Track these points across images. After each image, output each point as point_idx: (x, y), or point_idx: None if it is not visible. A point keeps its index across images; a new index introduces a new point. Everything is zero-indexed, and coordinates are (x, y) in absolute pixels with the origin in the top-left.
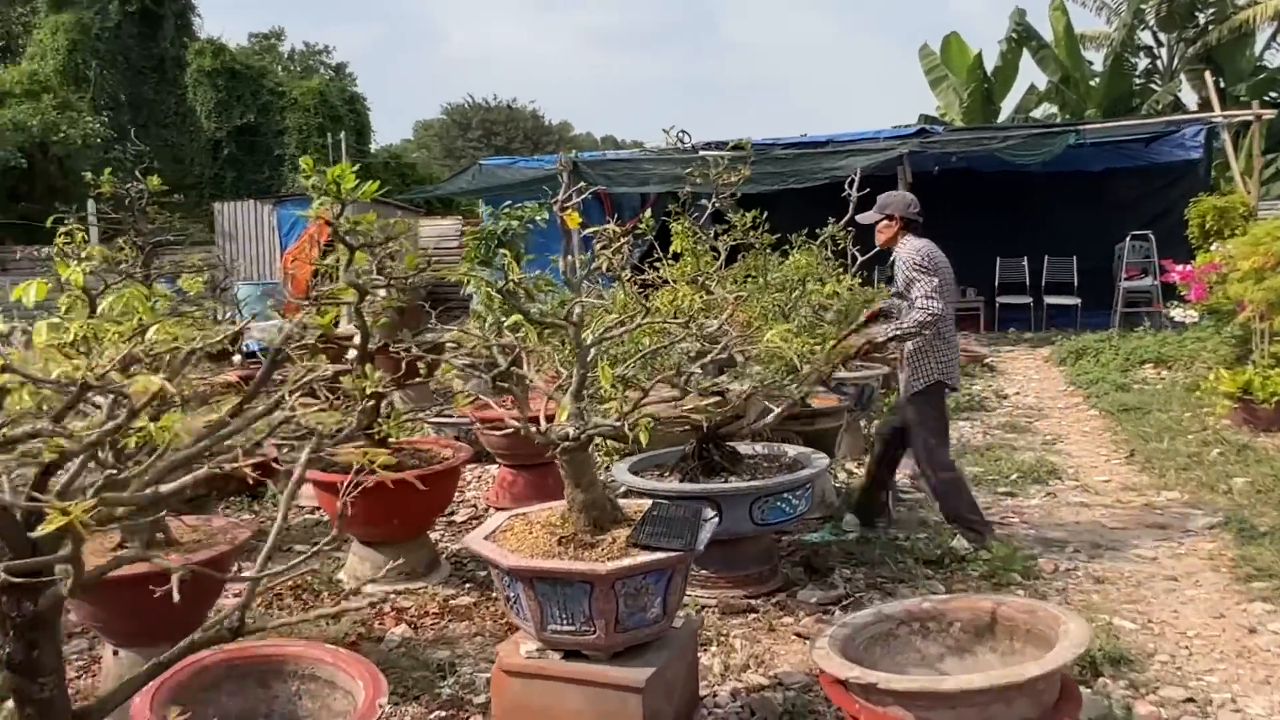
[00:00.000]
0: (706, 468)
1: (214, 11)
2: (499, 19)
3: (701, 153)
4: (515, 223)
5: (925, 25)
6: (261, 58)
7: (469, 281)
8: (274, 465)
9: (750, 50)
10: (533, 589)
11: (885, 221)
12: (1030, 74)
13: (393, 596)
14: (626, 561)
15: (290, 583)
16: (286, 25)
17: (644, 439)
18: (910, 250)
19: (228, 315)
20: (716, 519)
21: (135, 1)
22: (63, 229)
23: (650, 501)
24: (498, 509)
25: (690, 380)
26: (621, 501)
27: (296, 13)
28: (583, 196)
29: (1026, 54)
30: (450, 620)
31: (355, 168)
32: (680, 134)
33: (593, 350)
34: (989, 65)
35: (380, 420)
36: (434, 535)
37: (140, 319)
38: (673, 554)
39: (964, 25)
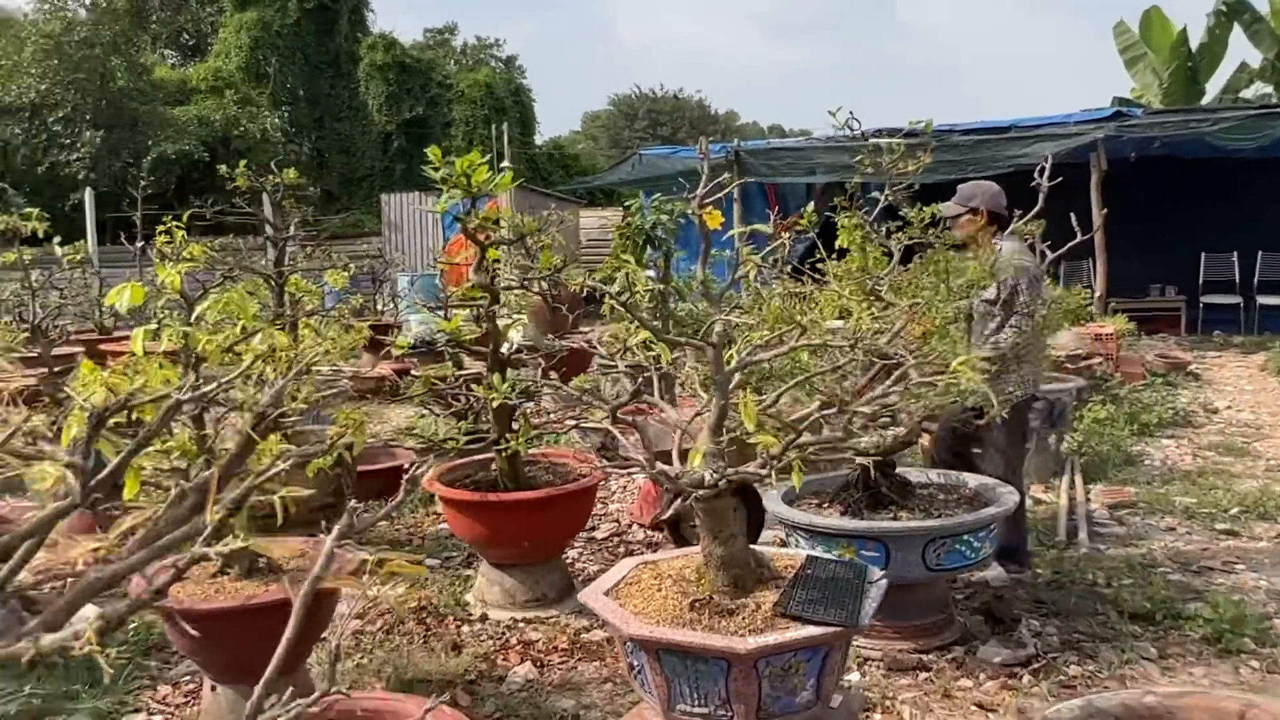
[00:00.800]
0: (873, 499)
1: (390, 10)
2: (667, 8)
3: (872, 139)
4: (665, 218)
5: (1120, 1)
6: (434, 52)
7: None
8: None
9: (927, 33)
10: (659, 662)
11: (969, 215)
12: (1240, 51)
13: (521, 625)
14: (772, 638)
15: (414, 602)
16: (460, 21)
17: (797, 482)
18: (1011, 253)
19: (387, 307)
20: (885, 581)
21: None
22: (161, 228)
23: (804, 554)
24: (640, 525)
25: (852, 420)
26: (770, 551)
27: (471, 8)
28: (723, 191)
29: (1237, 29)
30: (580, 659)
31: (517, 160)
32: (850, 118)
33: (736, 377)
34: (1194, 42)
35: (511, 433)
36: (570, 554)
37: (243, 326)
38: (830, 629)
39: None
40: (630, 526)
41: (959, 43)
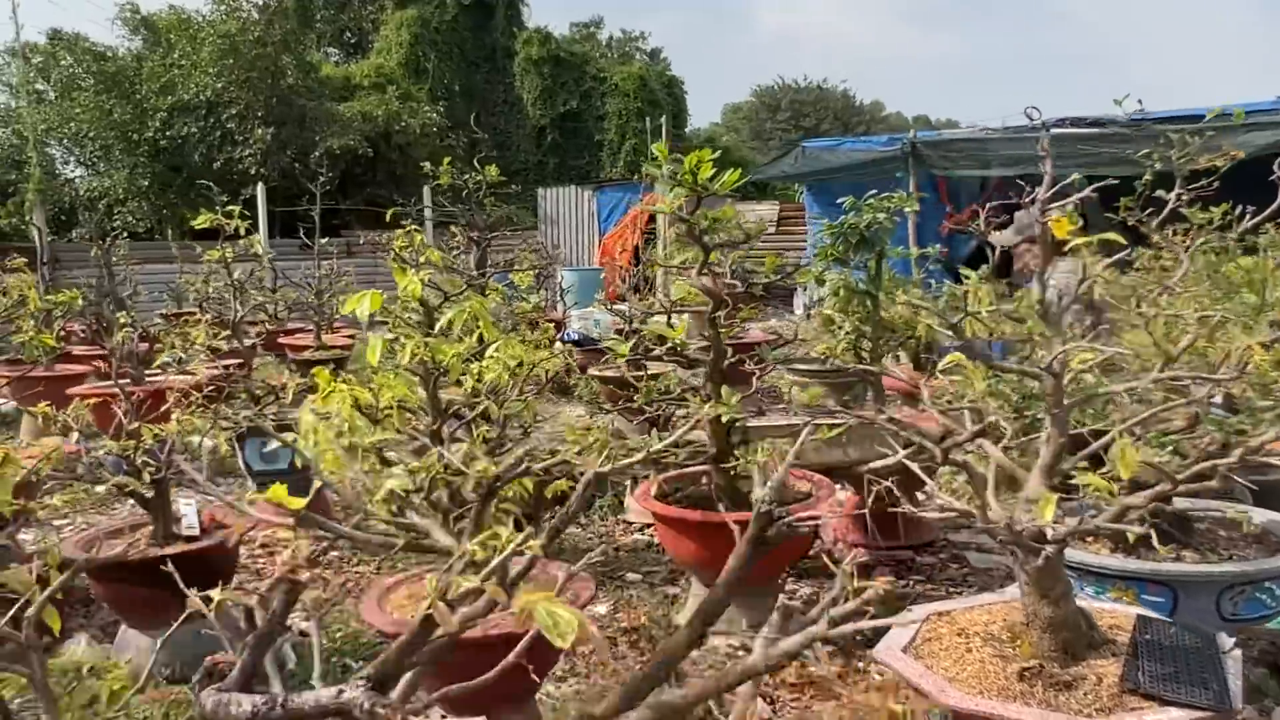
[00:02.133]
0: (1147, 535)
1: (540, 5)
2: None
3: (1054, 131)
4: (882, 215)
5: None
6: (582, 45)
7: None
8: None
9: (1082, 19)
10: None
11: (1026, 245)
12: None
13: (742, 655)
14: None
15: (625, 623)
16: (606, 14)
17: (1048, 514)
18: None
19: (552, 302)
20: (1239, 652)
21: None
22: (400, 233)
23: (1132, 613)
24: (851, 544)
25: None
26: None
27: (616, 2)
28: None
29: None
30: (814, 696)
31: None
32: (1029, 110)
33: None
34: None
35: (731, 446)
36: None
37: (480, 336)
38: (1197, 713)
39: None
40: (836, 544)
41: (1117, 29)
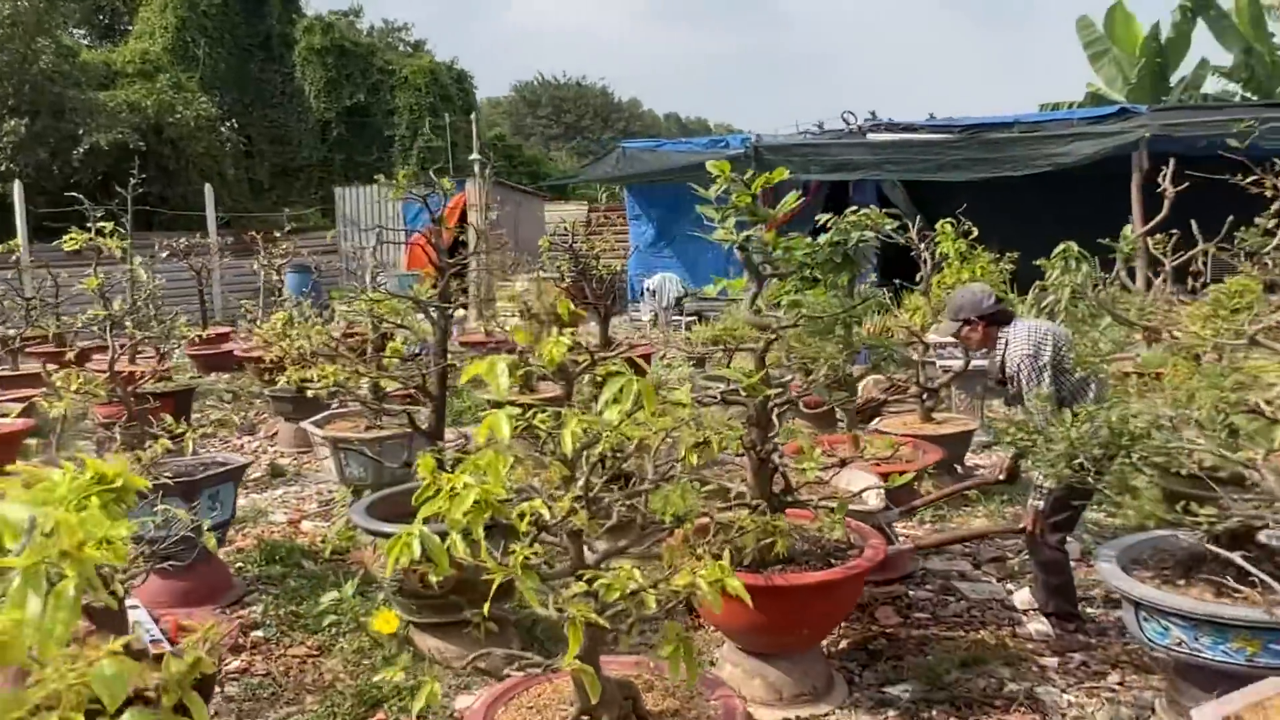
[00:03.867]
0: (1240, 574)
1: None
2: None
3: (870, 136)
4: (869, 234)
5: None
6: (372, 39)
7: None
8: None
9: (809, 22)
10: None
11: (966, 328)
12: (1200, 47)
13: None
14: None
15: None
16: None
17: None
18: (1018, 341)
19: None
20: None
21: None
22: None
23: None
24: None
25: None
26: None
27: None
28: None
29: (1202, 25)
30: None
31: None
32: (845, 114)
33: None
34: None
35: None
36: None
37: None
38: None
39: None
40: None
41: (839, 34)
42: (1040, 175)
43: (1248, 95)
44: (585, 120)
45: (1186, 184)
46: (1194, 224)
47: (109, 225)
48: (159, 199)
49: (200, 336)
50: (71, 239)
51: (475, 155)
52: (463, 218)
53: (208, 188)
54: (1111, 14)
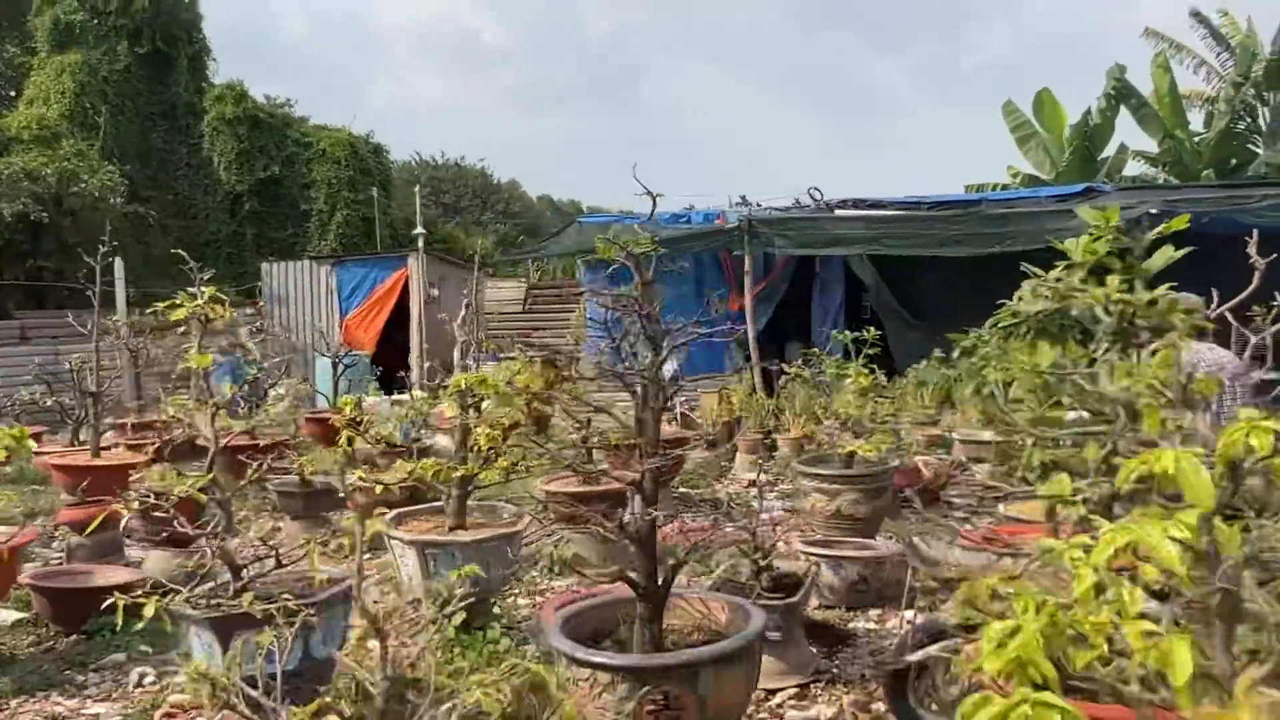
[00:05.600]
0: None
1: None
2: (415, 72)
3: (837, 212)
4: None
5: (841, 92)
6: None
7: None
8: None
9: (668, 110)
10: None
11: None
12: (1123, 133)
13: None
14: None
15: None
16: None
17: None
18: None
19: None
20: None
21: (146, 43)
22: None
23: None
24: None
25: None
26: None
27: (244, 68)
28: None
29: (1125, 112)
30: None
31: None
32: (812, 191)
33: None
34: (1075, 122)
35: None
36: None
37: None
38: None
39: (884, 95)
40: None
41: (696, 120)
42: (1000, 254)
43: (1170, 179)
44: (464, 201)
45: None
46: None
47: None
48: (55, 273)
49: (133, 424)
50: None
51: (420, 229)
52: (403, 297)
53: (118, 262)
54: (1038, 100)
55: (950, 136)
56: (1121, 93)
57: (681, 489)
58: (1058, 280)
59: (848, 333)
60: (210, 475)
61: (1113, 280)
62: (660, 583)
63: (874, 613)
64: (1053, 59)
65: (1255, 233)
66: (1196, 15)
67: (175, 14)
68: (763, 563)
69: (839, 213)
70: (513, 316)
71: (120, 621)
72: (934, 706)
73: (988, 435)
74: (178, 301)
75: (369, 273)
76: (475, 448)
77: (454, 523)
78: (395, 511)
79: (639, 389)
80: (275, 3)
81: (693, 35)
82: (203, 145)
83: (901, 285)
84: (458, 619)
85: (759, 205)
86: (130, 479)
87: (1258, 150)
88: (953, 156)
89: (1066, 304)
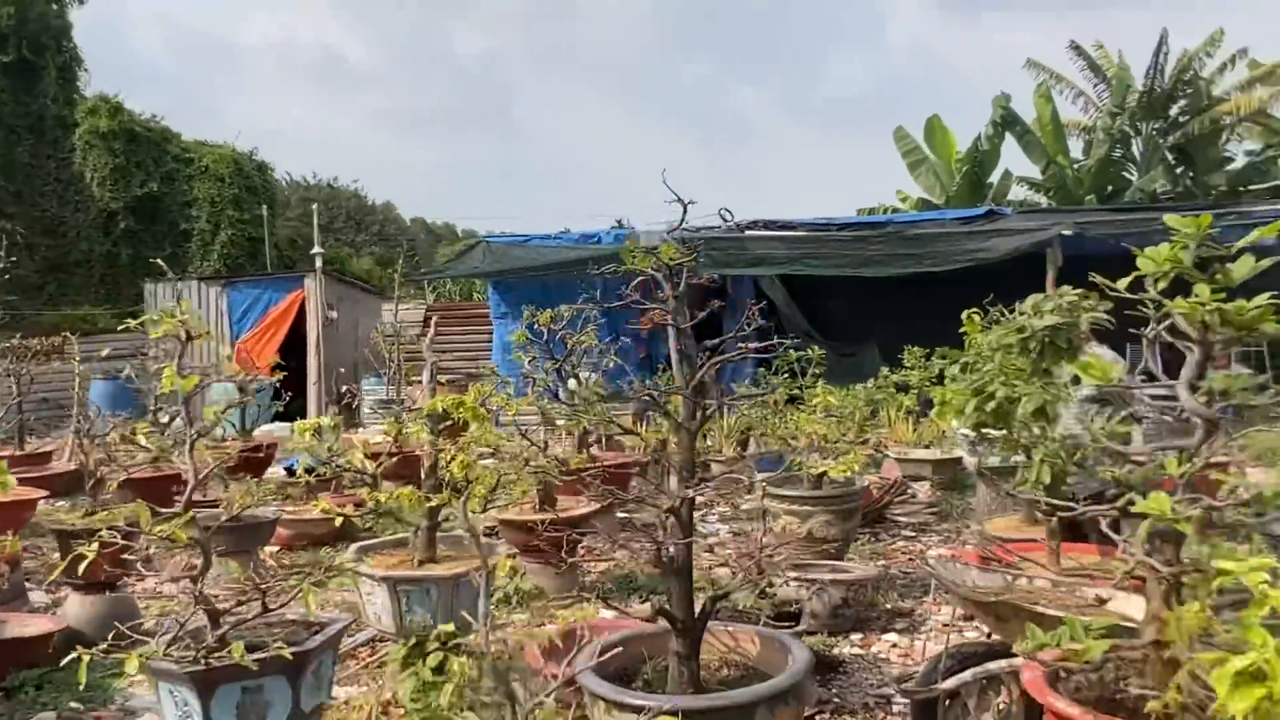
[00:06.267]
0: None
1: None
2: (284, 95)
3: (748, 233)
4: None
5: (710, 117)
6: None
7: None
8: None
9: (542, 132)
10: None
11: None
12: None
13: None
14: None
15: None
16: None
17: None
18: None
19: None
20: None
21: (11, 51)
22: None
23: None
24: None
25: None
26: None
27: (114, 78)
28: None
29: (1010, 139)
30: None
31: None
32: (723, 211)
33: None
34: (964, 148)
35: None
36: None
37: None
38: None
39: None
40: None
41: (570, 142)
42: (914, 274)
43: (1052, 203)
44: (338, 223)
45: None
46: None
47: None
48: None
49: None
50: None
51: (318, 249)
52: (299, 320)
53: None
54: (930, 127)
55: (808, 162)
56: (1007, 120)
57: (619, 514)
58: (1132, 291)
59: (793, 352)
60: (189, 514)
61: (1203, 289)
62: (697, 615)
63: (855, 636)
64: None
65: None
66: (1075, 47)
67: (44, 22)
68: (769, 590)
69: (749, 233)
70: (411, 339)
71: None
72: None
73: (921, 454)
74: (155, 317)
75: (262, 294)
76: (447, 476)
77: (424, 556)
78: (356, 545)
79: (675, 406)
80: (130, 16)
81: (564, 58)
82: (73, 160)
83: (811, 306)
84: (434, 660)
85: (635, 228)
86: (25, 516)
87: (1132, 178)
88: (815, 181)
89: (1075, 318)
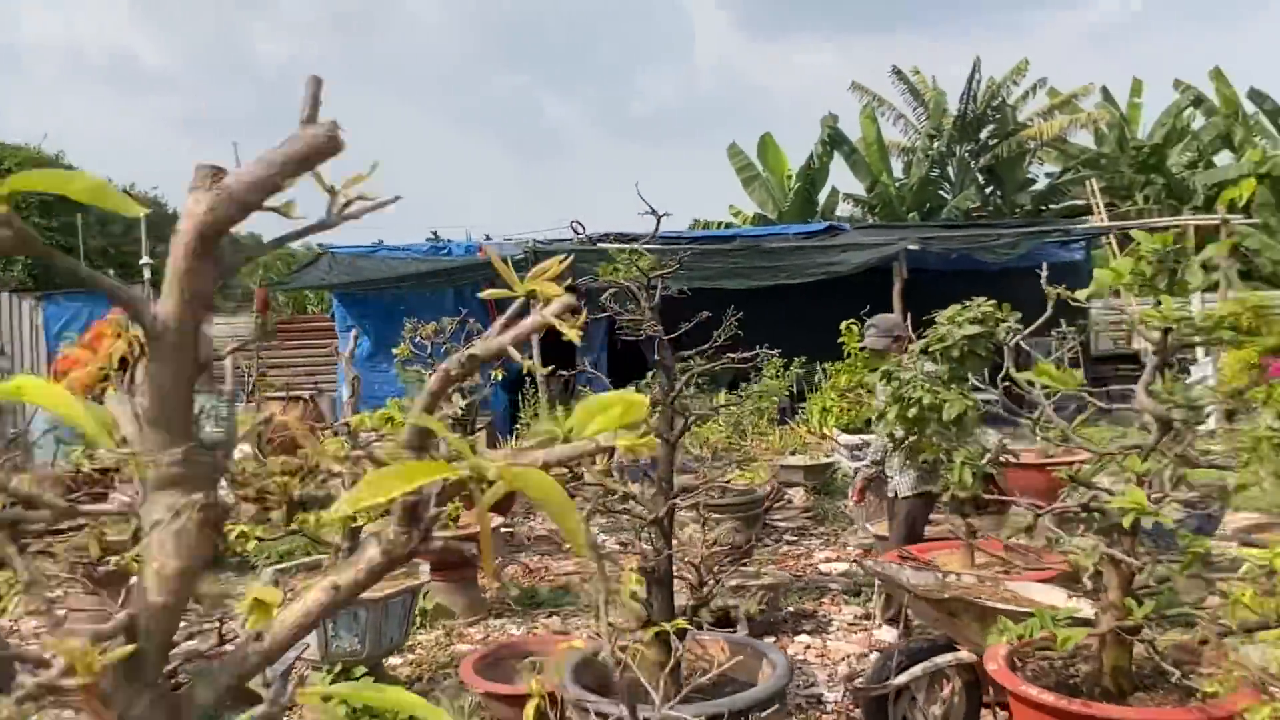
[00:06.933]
0: None
1: None
2: (69, 97)
3: (600, 245)
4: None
5: (525, 131)
6: None
7: None
8: None
9: (352, 142)
10: None
11: (894, 343)
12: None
13: None
14: None
15: None
16: None
17: None
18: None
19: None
20: None
21: None
22: None
23: None
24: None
25: None
26: None
27: None
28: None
29: (838, 157)
30: None
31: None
32: (574, 224)
33: None
34: (796, 166)
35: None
36: None
37: None
38: None
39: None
40: None
41: (383, 154)
42: (770, 287)
43: (878, 219)
44: (135, 230)
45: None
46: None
47: None
48: None
49: None
50: None
51: (146, 260)
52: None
53: None
54: (762, 145)
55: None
56: (835, 140)
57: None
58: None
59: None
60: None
61: (1167, 300)
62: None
63: (769, 640)
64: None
65: (1045, 265)
66: (896, 72)
67: None
68: (708, 596)
69: (600, 245)
70: (239, 354)
71: None
72: None
73: (795, 460)
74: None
75: (83, 308)
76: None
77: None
78: (271, 569)
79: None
80: None
81: (375, 67)
82: None
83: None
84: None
85: (448, 241)
86: None
87: (948, 197)
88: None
89: (988, 328)
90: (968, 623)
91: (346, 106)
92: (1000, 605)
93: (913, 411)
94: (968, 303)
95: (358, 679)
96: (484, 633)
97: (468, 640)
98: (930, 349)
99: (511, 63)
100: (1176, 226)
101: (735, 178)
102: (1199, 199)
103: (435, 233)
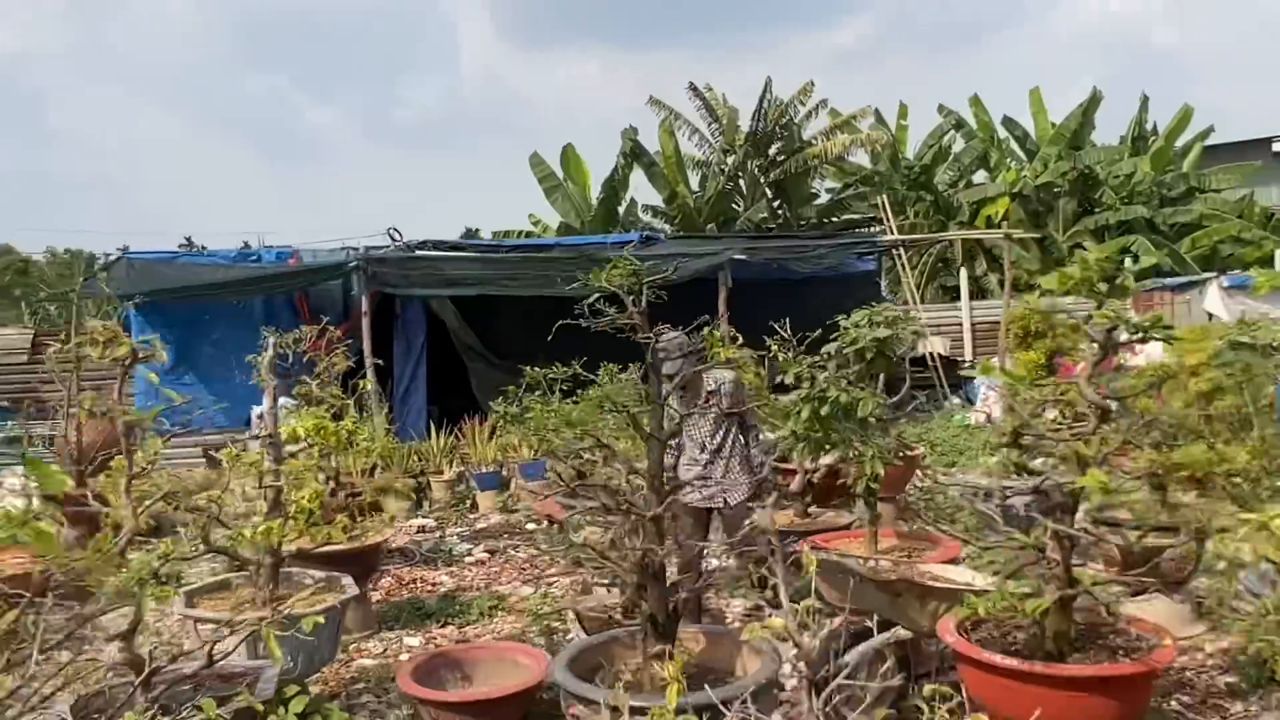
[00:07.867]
0: None
1: None
2: None
3: (418, 252)
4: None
5: (282, 136)
6: None
7: None
8: None
9: (86, 142)
10: None
11: (684, 360)
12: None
13: None
14: None
15: None
16: None
17: None
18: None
19: None
20: None
21: None
22: None
23: None
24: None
25: None
26: None
27: None
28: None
29: (638, 169)
30: None
31: None
32: (390, 231)
33: None
34: (604, 178)
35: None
36: None
37: None
38: None
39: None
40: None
41: (123, 154)
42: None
43: (679, 231)
44: None
45: None
46: None
47: None
48: None
49: None
50: None
51: None
52: None
53: None
54: (565, 155)
55: (398, 183)
56: (636, 152)
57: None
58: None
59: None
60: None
61: (1115, 302)
62: (667, 617)
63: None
64: (506, 114)
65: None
66: (692, 88)
67: None
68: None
69: (419, 253)
70: (14, 369)
71: None
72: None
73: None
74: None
75: None
76: (292, 508)
77: (269, 595)
78: (183, 590)
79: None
80: None
81: (111, 64)
82: None
83: (482, 326)
84: (298, 705)
85: (203, 248)
86: None
87: (740, 209)
88: (415, 202)
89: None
90: (910, 601)
91: (79, 104)
92: (941, 585)
93: (825, 410)
94: (873, 305)
95: (290, 699)
96: (382, 645)
97: (368, 655)
98: (844, 350)
99: (264, 62)
100: (966, 238)
101: (528, 187)
102: (964, 214)
103: (189, 238)
